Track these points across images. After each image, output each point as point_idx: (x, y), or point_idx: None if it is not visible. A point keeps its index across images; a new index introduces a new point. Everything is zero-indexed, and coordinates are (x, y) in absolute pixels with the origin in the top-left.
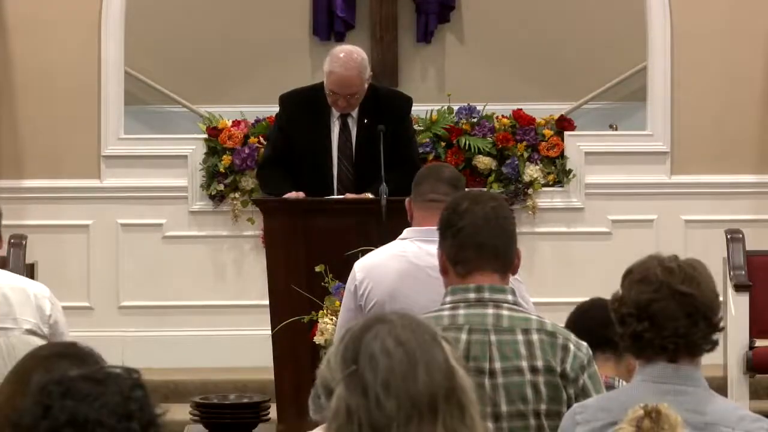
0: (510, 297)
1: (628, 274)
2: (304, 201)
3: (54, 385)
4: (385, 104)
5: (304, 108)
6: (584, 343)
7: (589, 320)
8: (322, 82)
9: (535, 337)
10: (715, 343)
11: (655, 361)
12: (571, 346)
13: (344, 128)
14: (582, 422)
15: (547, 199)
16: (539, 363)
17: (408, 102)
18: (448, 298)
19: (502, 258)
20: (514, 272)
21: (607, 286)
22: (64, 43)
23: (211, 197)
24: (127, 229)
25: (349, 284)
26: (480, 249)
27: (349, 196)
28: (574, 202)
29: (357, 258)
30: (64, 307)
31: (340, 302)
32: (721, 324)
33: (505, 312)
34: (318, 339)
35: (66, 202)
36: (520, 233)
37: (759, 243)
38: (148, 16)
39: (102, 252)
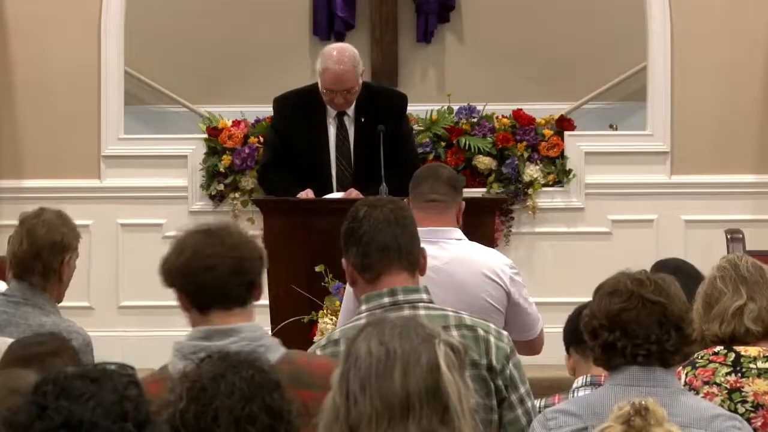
0: (425, 296)
1: (599, 289)
2: (304, 201)
3: (49, 385)
4: (381, 102)
5: (300, 109)
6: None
7: None
8: (316, 83)
9: (454, 333)
10: (688, 356)
11: (626, 369)
12: (492, 339)
13: (341, 128)
14: (554, 428)
15: (547, 199)
16: None
17: (404, 99)
18: (363, 307)
19: (407, 256)
20: (423, 272)
21: None
22: (64, 43)
23: (211, 197)
24: (127, 229)
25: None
26: (384, 251)
27: (353, 193)
28: (574, 202)
29: None
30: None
31: (340, 302)
32: (694, 337)
33: (422, 312)
34: (318, 339)
35: (66, 202)
36: (520, 233)
37: (759, 243)
38: (148, 16)
39: (102, 252)
